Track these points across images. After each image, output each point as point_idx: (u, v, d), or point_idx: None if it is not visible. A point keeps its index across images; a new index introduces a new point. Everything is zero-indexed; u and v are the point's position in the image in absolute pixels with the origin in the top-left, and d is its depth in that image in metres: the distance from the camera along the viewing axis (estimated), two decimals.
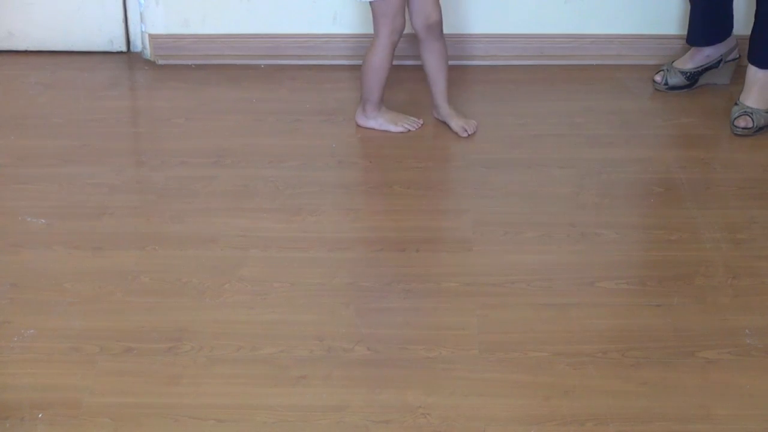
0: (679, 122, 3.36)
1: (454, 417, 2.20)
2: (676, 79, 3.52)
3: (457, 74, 3.59)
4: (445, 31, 3.23)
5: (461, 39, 3.70)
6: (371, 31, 3.21)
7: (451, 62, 3.29)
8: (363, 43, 3.55)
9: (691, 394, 2.25)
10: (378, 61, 3.22)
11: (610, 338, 2.41)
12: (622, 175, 3.05)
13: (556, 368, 2.33)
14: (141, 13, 3.77)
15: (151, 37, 3.77)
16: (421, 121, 3.32)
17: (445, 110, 3.32)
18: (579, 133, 3.30)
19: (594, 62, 3.74)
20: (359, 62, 3.38)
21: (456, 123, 3.29)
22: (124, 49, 3.85)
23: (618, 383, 2.28)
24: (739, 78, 3.45)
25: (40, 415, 2.20)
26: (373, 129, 3.30)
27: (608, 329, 2.44)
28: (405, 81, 3.56)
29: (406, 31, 3.24)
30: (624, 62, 3.71)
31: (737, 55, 3.55)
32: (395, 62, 3.23)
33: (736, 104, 3.29)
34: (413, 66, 3.47)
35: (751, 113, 3.25)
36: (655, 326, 2.45)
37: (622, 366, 2.33)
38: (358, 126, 3.32)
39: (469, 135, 3.27)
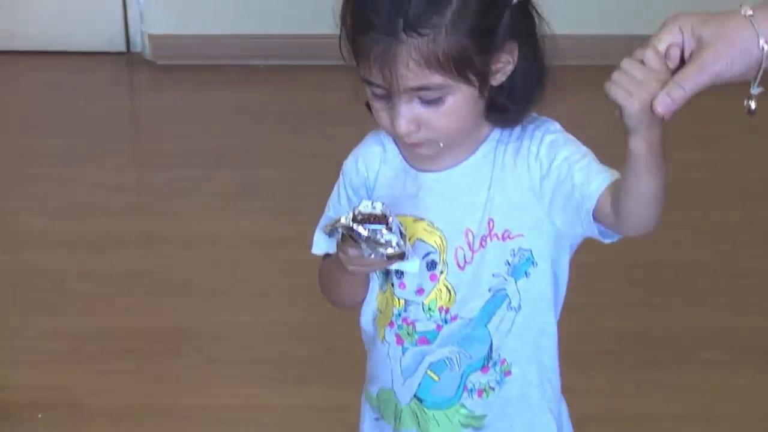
0: (679, 122, 3.35)
1: None
2: None
3: None
4: None
5: None
6: None
7: None
8: None
9: (691, 394, 2.25)
10: None
11: (610, 338, 2.41)
12: None
13: None
14: (141, 13, 3.77)
15: (151, 37, 3.77)
16: None
17: None
18: (579, 133, 3.28)
19: (594, 62, 3.73)
20: None
21: None
22: (123, 49, 3.85)
23: (618, 383, 2.28)
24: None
25: (40, 416, 2.20)
26: None
27: (608, 329, 2.44)
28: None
29: None
30: None
31: None
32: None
33: None
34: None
35: None
36: (655, 326, 2.45)
37: (622, 366, 2.33)
38: None
39: None
